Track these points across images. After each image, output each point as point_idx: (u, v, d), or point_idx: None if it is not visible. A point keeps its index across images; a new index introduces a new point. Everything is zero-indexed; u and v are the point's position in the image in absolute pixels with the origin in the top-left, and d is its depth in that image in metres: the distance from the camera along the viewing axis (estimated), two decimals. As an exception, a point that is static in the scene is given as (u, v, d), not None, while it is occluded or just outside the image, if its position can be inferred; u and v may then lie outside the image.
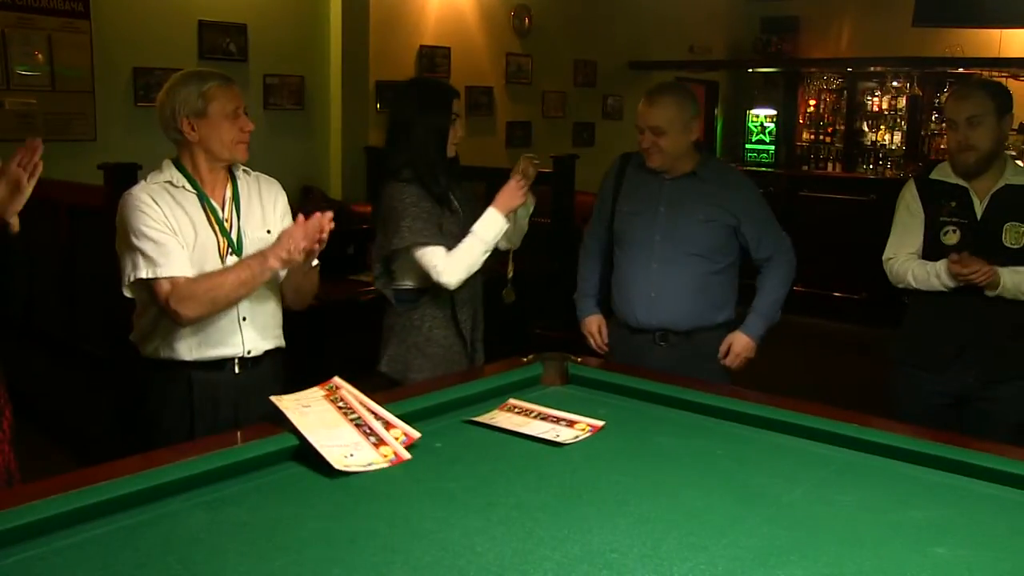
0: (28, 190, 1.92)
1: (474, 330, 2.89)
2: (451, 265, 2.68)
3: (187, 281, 2.32)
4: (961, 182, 2.86)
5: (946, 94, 9.22)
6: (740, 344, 2.93)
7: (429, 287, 2.77)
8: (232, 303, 2.37)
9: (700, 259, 2.90)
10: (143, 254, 2.31)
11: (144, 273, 2.31)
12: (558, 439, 1.97)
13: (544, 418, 2.08)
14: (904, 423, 2.20)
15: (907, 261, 2.90)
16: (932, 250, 2.86)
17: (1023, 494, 1.75)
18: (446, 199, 2.78)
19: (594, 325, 3.13)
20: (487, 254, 2.75)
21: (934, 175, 2.95)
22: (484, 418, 2.09)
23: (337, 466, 1.75)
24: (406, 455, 1.84)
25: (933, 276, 2.81)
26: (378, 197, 2.80)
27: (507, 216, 2.75)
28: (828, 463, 1.90)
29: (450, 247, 2.71)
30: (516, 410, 2.14)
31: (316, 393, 2.04)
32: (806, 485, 1.79)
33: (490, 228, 2.73)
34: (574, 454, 1.92)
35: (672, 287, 2.91)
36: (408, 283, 2.81)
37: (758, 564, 1.46)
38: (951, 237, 2.83)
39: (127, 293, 2.40)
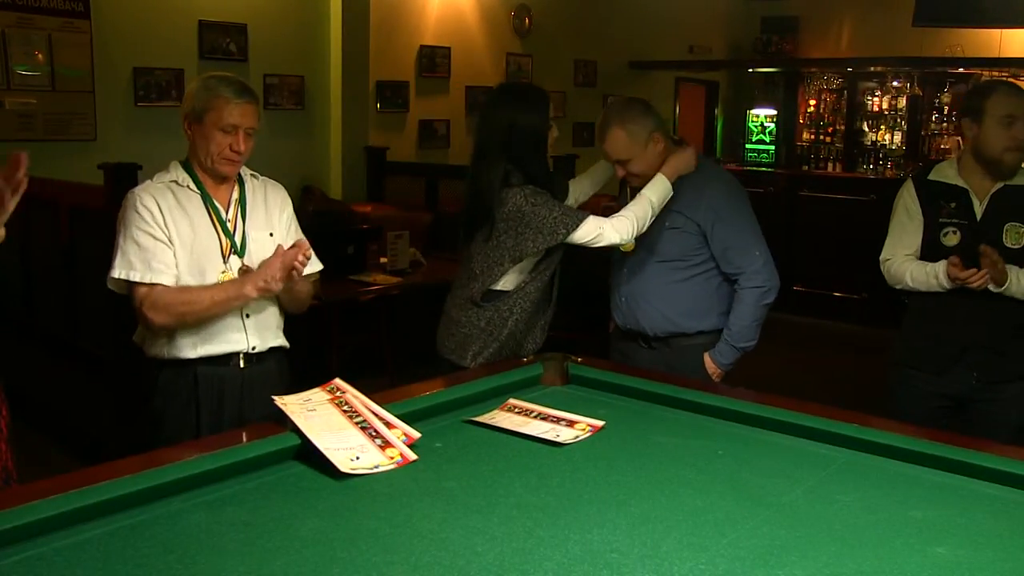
0: (12, 205, 1.89)
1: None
2: (618, 225, 2.70)
3: (164, 290, 2.33)
4: (960, 183, 2.85)
5: (947, 93, 9.25)
6: (707, 364, 2.92)
7: (515, 288, 2.78)
8: (201, 322, 2.37)
9: (667, 267, 2.90)
10: (124, 255, 2.35)
11: (118, 273, 2.35)
12: (558, 439, 1.97)
13: (544, 418, 2.08)
14: (904, 423, 2.20)
15: (904, 262, 2.89)
16: (932, 251, 2.85)
17: (1023, 494, 1.75)
18: (555, 195, 2.81)
19: None
20: (653, 216, 2.76)
21: (933, 176, 2.94)
22: (484, 418, 2.09)
23: (343, 469, 1.74)
24: (412, 456, 1.84)
25: (932, 277, 2.80)
26: (487, 205, 2.73)
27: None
28: (828, 463, 1.90)
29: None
30: (516, 410, 2.14)
31: (319, 395, 2.03)
32: (806, 485, 1.79)
33: (658, 191, 2.76)
34: (574, 454, 1.92)
35: (640, 294, 2.93)
36: (503, 285, 2.79)
37: (758, 564, 1.46)
38: (951, 238, 2.83)
39: (110, 286, 2.42)
